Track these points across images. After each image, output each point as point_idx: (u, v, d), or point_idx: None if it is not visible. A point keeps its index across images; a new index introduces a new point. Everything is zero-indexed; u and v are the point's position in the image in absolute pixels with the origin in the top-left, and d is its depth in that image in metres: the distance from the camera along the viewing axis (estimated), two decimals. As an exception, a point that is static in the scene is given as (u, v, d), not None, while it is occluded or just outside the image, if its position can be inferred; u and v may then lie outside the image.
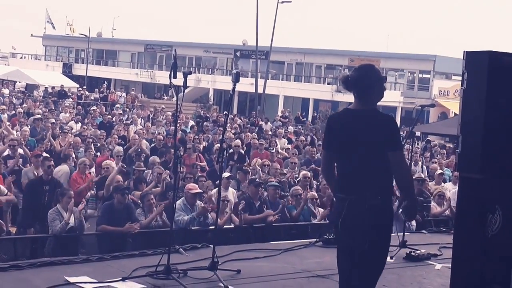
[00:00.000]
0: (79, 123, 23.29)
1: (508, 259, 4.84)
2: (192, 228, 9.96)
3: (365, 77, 5.12)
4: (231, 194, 11.72)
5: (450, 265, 6.03)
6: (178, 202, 9.92)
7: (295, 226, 11.06)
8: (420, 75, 51.06)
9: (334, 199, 5.34)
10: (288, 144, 23.44)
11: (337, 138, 5.16)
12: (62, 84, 41.39)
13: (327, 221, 10.82)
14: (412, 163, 14.09)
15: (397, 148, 5.07)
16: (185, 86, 7.21)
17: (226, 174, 11.99)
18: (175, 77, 7.08)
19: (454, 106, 43.13)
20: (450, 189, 14.09)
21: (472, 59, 5.20)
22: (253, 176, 13.27)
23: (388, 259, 8.59)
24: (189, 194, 10.31)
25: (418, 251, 8.93)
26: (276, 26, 47.33)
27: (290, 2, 47.87)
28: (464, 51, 5.22)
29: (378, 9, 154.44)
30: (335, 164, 5.31)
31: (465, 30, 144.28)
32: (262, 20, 65.18)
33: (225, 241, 9.17)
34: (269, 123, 32.96)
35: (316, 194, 11.89)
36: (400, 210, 5.18)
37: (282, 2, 47.65)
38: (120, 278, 6.91)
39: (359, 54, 52.54)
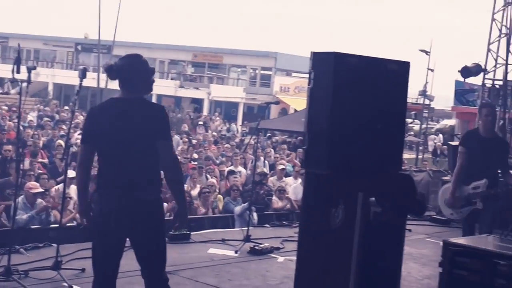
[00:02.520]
0: None
1: (349, 250, 5.05)
2: (33, 227, 9.64)
3: (130, 66, 5.01)
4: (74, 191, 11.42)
5: (293, 257, 6.18)
6: (18, 200, 9.55)
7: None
8: (262, 72, 52.14)
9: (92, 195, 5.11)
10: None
11: (102, 130, 4.92)
12: None
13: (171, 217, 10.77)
14: (255, 158, 14.42)
15: (167, 138, 4.99)
16: (29, 81, 6.98)
17: (71, 173, 11.63)
18: (18, 72, 6.82)
19: (294, 102, 44.42)
20: (291, 184, 14.57)
21: (319, 59, 5.32)
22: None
23: (233, 253, 8.82)
24: (29, 193, 9.95)
25: (261, 245, 9.07)
26: (119, 20, 46.73)
27: (133, -4, 47.43)
28: (311, 52, 5.33)
29: (223, 7, 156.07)
30: (96, 159, 5.10)
31: (306, 29, 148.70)
32: (105, 14, 64.06)
33: (69, 239, 8.93)
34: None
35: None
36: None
37: (125, -4, 47.13)
38: (-44, 282, 6.58)
39: (202, 50, 52.92)
